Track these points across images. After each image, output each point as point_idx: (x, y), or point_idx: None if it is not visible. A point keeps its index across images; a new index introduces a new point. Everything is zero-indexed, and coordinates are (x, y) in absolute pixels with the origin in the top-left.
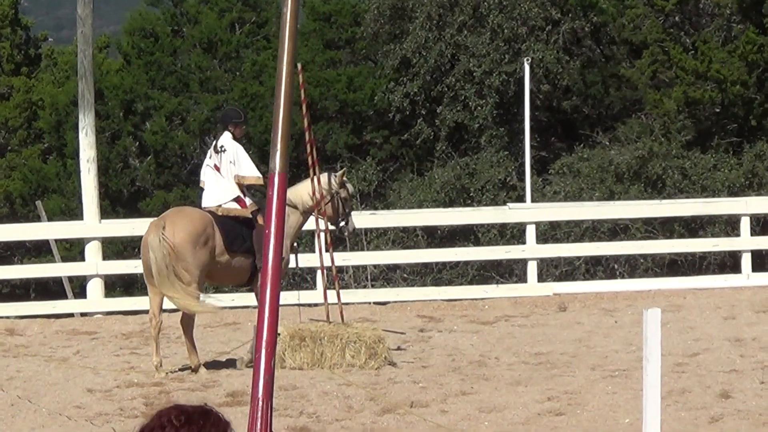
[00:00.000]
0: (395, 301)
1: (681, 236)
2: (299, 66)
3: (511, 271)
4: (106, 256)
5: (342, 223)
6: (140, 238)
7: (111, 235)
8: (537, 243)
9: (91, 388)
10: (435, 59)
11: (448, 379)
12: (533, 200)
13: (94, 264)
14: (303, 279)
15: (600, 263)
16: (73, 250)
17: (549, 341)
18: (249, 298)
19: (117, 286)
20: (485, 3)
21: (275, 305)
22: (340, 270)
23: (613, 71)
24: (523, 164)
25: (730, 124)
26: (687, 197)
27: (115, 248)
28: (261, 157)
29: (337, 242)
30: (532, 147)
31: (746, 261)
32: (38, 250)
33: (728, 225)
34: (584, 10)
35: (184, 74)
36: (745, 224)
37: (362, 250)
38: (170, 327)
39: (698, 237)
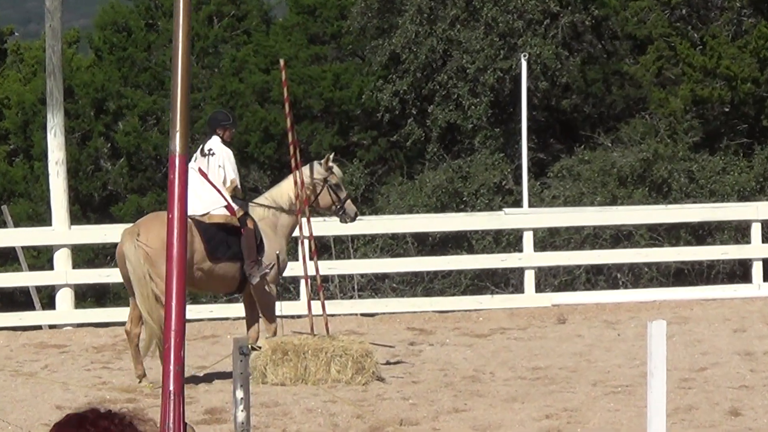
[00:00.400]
0: (384, 313)
1: (688, 243)
2: (282, 62)
3: (507, 281)
4: (76, 265)
5: (341, 212)
6: (112, 245)
7: (81, 241)
8: (535, 251)
9: (60, 405)
10: (426, 55)
11: (440, 396)
12: (531, 205)
13: (63, 273)
14: (286, 289)
15: (602, 272)
16: (41, 257)
17: (547, 355)
18: (228, 310)
19: (88, 296)
20: None
21: (182, 291)
22: (325, 279)
23: (615, 68)
24: (519, 167)
25: (740, 124)
26: (694, 202)
27: (86, 256)
28: (242, 160)
29: (322, 250)
30: (529, 149)
31: (757, 270)
32: (4, 258)
33: (738, 231)
34: (585, 2)
35: (158, 71)
36: (755, 231)
37: (349, 258)
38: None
39: (706, 244)
